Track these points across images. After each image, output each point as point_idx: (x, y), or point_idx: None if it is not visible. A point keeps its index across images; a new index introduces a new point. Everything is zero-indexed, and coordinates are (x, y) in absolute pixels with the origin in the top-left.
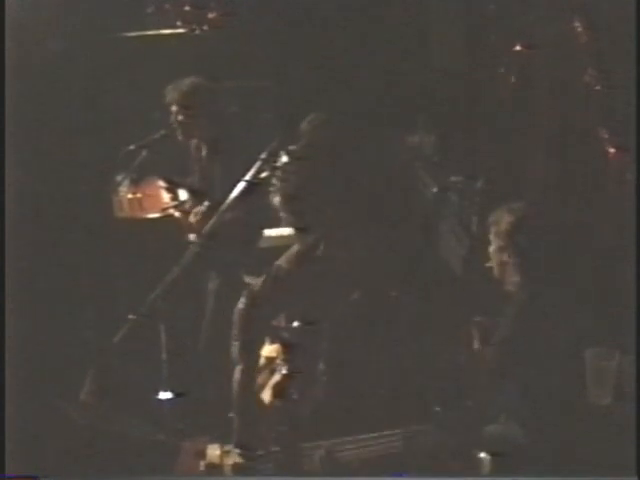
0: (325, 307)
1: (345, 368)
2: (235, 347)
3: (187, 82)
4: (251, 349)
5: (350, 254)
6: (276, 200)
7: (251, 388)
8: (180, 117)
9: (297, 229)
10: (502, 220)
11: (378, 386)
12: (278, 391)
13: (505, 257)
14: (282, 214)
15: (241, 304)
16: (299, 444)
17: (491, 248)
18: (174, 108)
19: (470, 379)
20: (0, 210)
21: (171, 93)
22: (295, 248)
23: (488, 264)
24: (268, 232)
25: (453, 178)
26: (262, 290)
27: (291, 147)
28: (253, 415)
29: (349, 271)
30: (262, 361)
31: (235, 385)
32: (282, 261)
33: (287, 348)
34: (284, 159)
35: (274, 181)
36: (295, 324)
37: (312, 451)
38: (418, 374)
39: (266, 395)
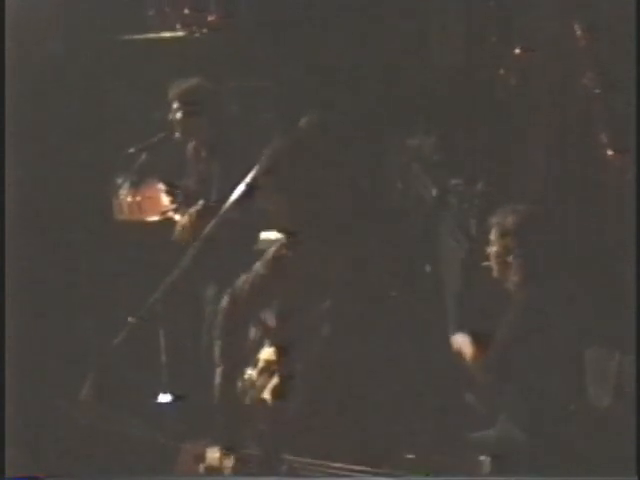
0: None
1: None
2: (217, 347)
3: (189, 81)
4: (232, 350)
5: (329, 256)
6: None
7: (232, 390)
8: (179, 115)
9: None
10: (507, 221)
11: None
12: (277, 393)
13: (510, 258)
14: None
15: (224, 303)
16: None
17: (492, 248)
18: (175, 105)
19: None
20: (0, 210)
21: (173, 90)
22: (271, 251)
23: (485, 263)
24: (265, 235)
25: (453, 181)
26: (244, 290)
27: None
28: (235, 417)
29: (326, 273)
30: (261, 364)
31: (217, 387)
32: (261, 263)
33: (282, 351)
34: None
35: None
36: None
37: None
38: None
39: (266, 397)
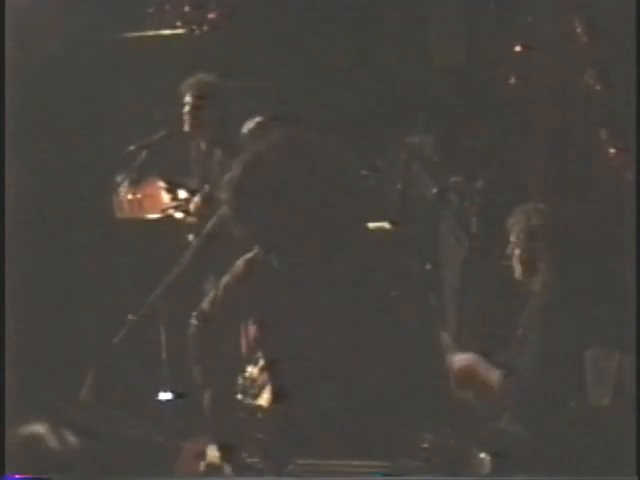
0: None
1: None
2: (197, 372)
3: (205, 76)
4: (215, 371)
5: (300, 263)
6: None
7: (226, 410)
8: (191, 108)
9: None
10: (531, 221)
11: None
12: (275, 395)
13: (533, 259)
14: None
15: (193, 327)
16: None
17: (516, 250)
18: (187, 98)
19: None
20: (0, 210)
21: (188, 82)
22: (241, 261)
23: (507, 263)
24: None
25: (453, 178)
26: (213, 308)
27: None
28: (232, 438)
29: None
30: (262, 362)
31: (207, 410)
32: (229, 277)
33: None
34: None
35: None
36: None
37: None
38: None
39: (264, 398)
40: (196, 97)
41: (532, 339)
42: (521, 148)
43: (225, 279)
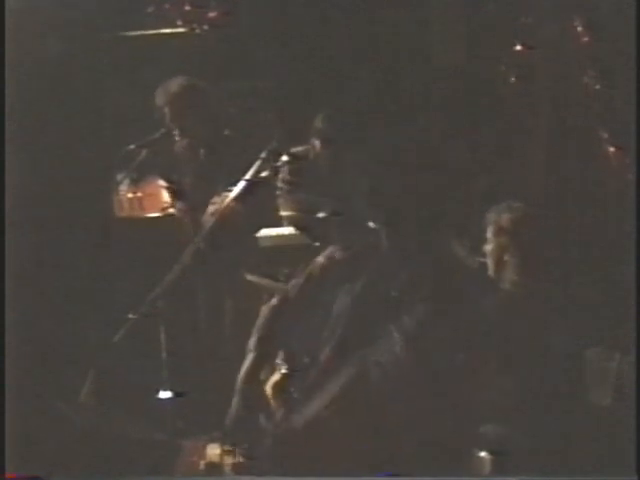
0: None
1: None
2: (254, 338)
3: (176, 82)
4: (267, 344)
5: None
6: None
7: (257, 376)
8: (173, 117)
9: (301, 229)
10: (502, 218)
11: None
12: (278, 390)
13: (506, 256)
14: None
15: (274, 302)
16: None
17: (489, 246)
18: (166, 109)
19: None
20: (0, 210)
21: (161, 94)
22: (327, 254)
23: (481, 259)
24: (268, 231)
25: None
26: (296, 294)
27: (294, 149)
28: (255, 404)
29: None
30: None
31: (242, 371)
32: (314, 266)
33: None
34: (284, 158)
35: (280, 183)
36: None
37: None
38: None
39: (267, 391)
40: (173, 107)
41: (531, 339)
42: (521, 148)
43: (310, 268)
